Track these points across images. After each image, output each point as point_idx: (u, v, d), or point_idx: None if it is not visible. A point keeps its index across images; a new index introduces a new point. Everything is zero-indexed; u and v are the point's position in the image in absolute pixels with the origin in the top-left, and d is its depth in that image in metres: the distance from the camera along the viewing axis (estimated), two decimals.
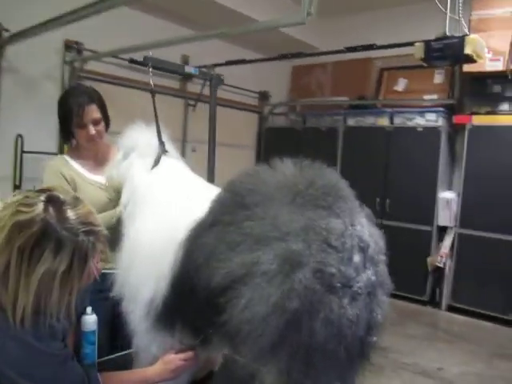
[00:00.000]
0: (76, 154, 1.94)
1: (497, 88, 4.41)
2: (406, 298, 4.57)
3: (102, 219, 1.30)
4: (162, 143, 1.70)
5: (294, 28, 4.51)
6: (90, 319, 1.42)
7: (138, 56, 4.07)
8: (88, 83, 3.64)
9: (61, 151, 3.97)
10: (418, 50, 2.87)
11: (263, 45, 5.31)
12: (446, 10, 2.80)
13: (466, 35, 2.74)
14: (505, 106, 4.42)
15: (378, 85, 5.43)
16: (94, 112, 1.83)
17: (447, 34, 2.79)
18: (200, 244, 1.23)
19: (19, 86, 3.80)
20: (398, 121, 4.97)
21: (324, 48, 5.08)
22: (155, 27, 4.49)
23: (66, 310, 1.12)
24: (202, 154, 4.11)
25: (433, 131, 4.66)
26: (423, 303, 4.68)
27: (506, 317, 4.21)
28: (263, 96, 6.15)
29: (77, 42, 4.04)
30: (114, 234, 1.53)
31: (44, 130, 3.95)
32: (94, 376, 1.26)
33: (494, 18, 4.15)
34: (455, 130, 4.78)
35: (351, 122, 5.32)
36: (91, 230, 1.13)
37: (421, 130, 4.74)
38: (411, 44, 3.07)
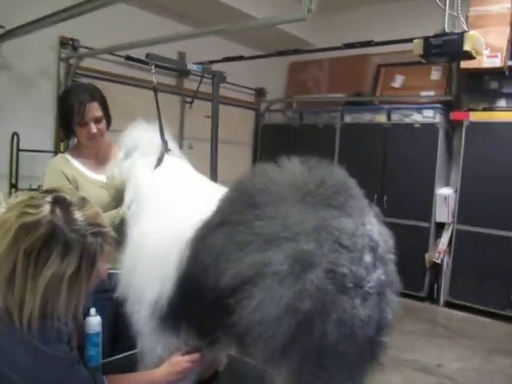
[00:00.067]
0: (77, 152, 1.92)
1: (494, 84, 4.43)
2: (403, 294, 4.49)
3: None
4: (164, 142, 1.67)
5: (291, 24, 4.49)
6: (94, 321, 1.40)
7: (135, 53, 4.05)
8: (84, 80, 3.62)
9: (57, 149, 3.94)
10: (416, 47, 2.86)
11: (259, 41, 5.28)
12: (444, 6, 2.80)
13: (465, 32, 2.74)
14: (502, 103, 4.44)
15: (375, 81, 5.43)
16: (95, 110, 1.80)
17: (446, 30, 2.79)
18: (208, 244, 1.20)
19: (14, 83, 3.76)
20: (395, 117, 4.97)
21: (320, 44, 5.07)
22: (152, 24, 4.45)
23: (73, 312, 1.11)
24: (198, 151, 4.09)
25: (430, 128, 4.67)
26: (421, 299, 4.70)
27: (504, 312, 4.24)
28: (260, 93, 6.13)
29: (72, 39, 4.01)
30: (118, 234, 1.51)
31: (40, 128, 3.92)
32: (100, 379, 1.25)
33: (491, 14, 4.15)
34: (452, 127, 4.80)
35: (348, 118, 5.32)
36: (99, 232, 1.11)
37: (418, 126, 4.74)
38: (409, 40, 3.06)
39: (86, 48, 4.07)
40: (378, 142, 4.96)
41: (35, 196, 1.10)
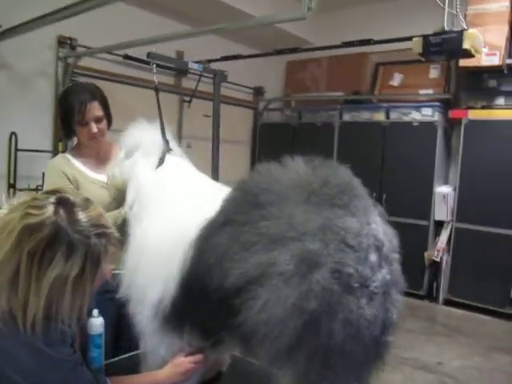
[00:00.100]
0: (77, 152, 1.91)
1: (492, 82, 4.44)
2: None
3: None
4: (166, 141, 1.66)
5: (289, 23, 4.48)
6: (97, 322, 1.40)
7: (133, 52, 4.04)
8: (82, 80, 3.60)
9: (55, 148, 3.93)
10: (416, 45, 2.86)
11: (257, 40, 5.27)
12: (444, 4, 2.80)
13: (464, 30, 2.74)
14: (500, 101, 4.45)
15: (373, 80, 5.43)
16: (96, 109, 1.79)
17: (445, 28, 2.79)
18: (212, 244, 1.20)
19: (12, 82, 3.74)
20: (393, 116, 4.97)
21: (319, 43, 5.06)
22: (150, 23, 4.44)
23: (77, 314, 1.10)
24: (197, 150, 4.07)
25: (429, 126, 4.67)
26: (420, 297, 4.70)
27: (503, 310, 4.25)
28: (258, 91, 6.12)
29: (70, 38, 3.99)
30: (120, 235, 1.50)
31: (38, 128, 3.91)
32: (103, 381, 1.24)
33: (490, 12, 4.15)
34: (451, 125, 4.80)
35: (347, 117, 5.32)
36: (103, 233, 1.10)
37: (417, 124, 4.74)
38: (409, 39, 3.06)
39: (84, 47, 4.05)
40: (376, 141, 4.96)
41: (38, 197, 1.09)
